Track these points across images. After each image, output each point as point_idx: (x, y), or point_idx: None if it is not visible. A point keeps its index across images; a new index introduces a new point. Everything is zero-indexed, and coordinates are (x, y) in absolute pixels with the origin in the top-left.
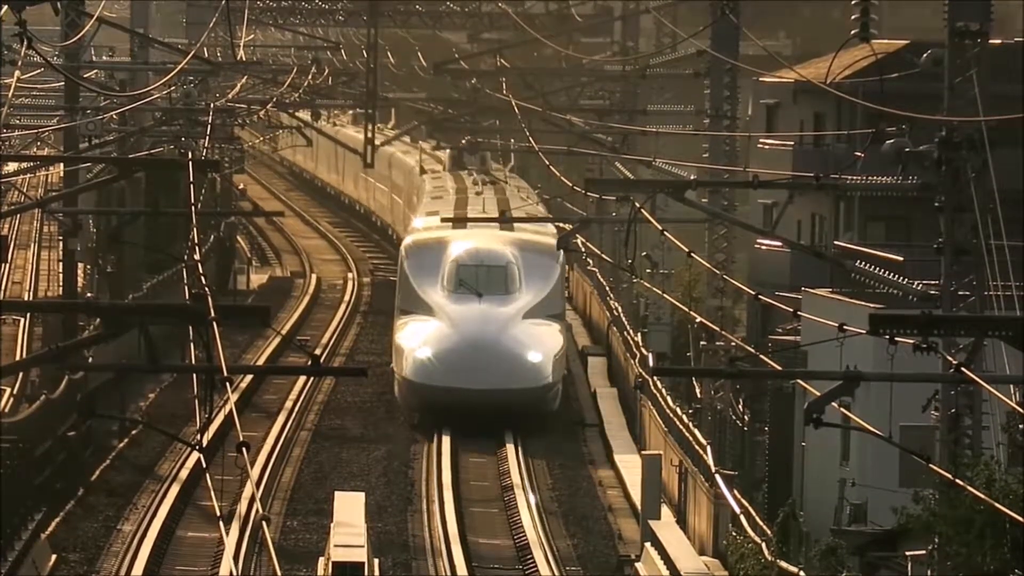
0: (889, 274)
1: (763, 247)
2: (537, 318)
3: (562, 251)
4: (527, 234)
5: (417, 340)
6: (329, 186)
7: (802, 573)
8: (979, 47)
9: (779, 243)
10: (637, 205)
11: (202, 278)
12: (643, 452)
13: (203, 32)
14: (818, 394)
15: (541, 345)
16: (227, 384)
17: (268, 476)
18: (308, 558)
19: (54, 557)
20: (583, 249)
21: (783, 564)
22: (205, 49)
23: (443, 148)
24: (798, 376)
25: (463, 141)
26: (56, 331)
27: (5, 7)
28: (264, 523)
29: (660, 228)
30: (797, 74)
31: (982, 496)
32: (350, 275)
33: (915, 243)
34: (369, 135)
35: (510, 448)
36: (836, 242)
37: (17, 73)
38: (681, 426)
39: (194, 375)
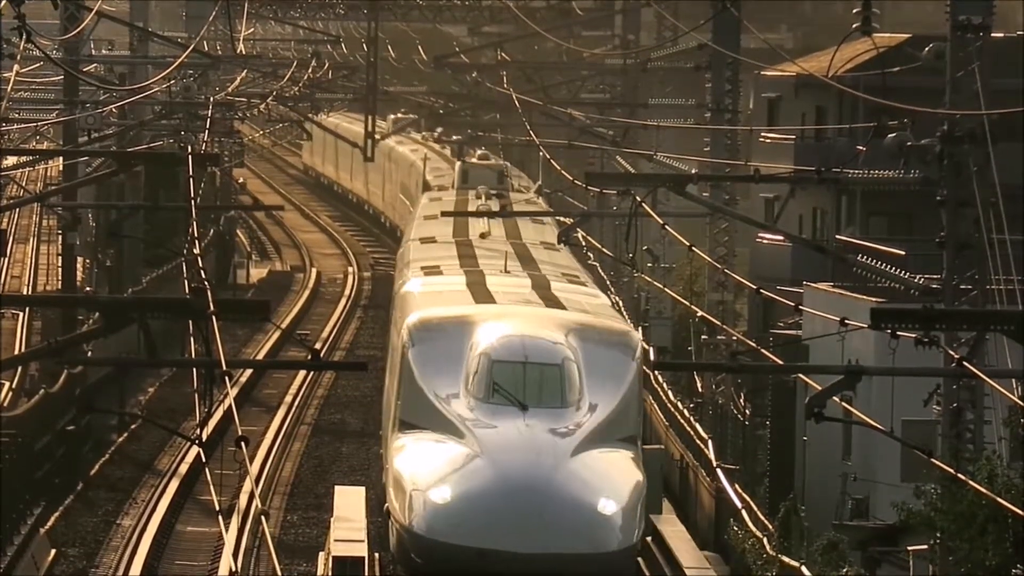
0: (891, 268)
1: (764, 241)
2: (607, 444)
3: (640, 343)
4: (587, 314)
5: (430, 474)
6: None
7: (803, 568)
8: (981, 41)
9: (780, 237)
10: (638, 199)
11: (201, 272)
12: (644, 447)
13: (203, 26)
14: (819, 388)
15: (615, 488)
16: (227, 378)
17: (268, 471)
18: (308, 553)
19: (53, 552)
20: (584, 243)
21: (784, 559)
22: (205, 43)
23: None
24: (799, 370)
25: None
26: (55, 325)
27: (4, 1)
28: (263, 517)
29: (661, 222)
30: (799, 68)
31: (984, 491)
32: (350, 269)
33: (917, 237)
34: (369, 128)
35: None
36: (838, 236)
37: (16, 67)
38: (682, 420)
39: (194, 369)
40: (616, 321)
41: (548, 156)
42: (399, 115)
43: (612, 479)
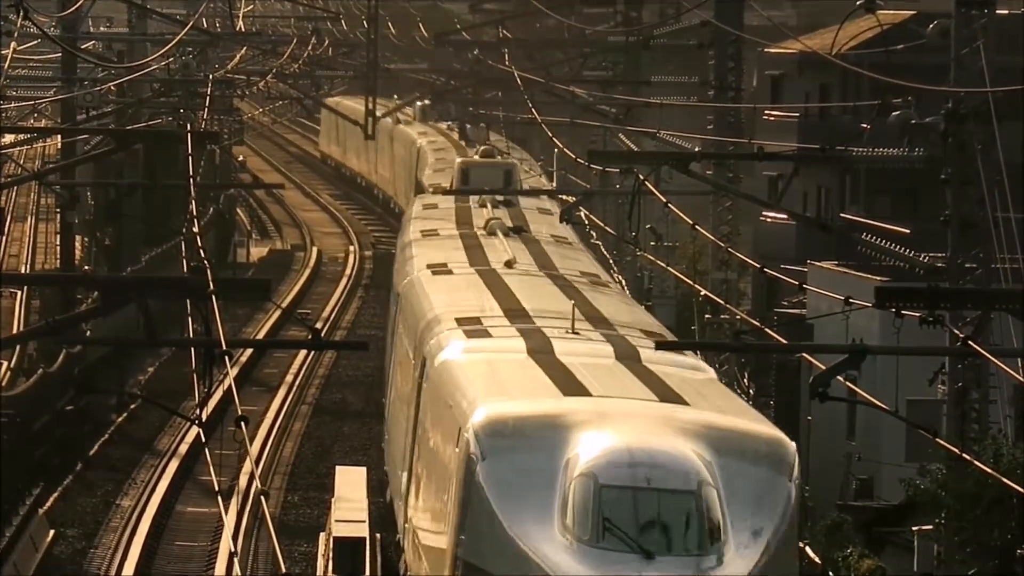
0: (895, 247)
1: (768, 220)
2: None
3: (795, 454)
4: (719, 412)
5: None
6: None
7: (808, 548)
8: (986, 18)
9: (784, 216)
10: (641, 177)
11: (201, 251)
12: None
13: (202, 2)
14: (824, 368)
15: None
16: (226, 358)
17: (268, 451)
18: (309, 533)
19: (52, 532)
20: (587, 222)
21: None
22: (204, 20)
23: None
24: (804, 350)
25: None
26: (54, 304)
27: None
28: (263, 498)
29: (664, 200)
30: (802, 45)
31: (989, 470)
32: (351, 248)
33: (921, 216)
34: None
35: None
36: (842, 214)
37: (13, 44)
38: None
39: (193, 349)
40: (759, 422)
41: (551, 134)
42: (425, 101)
43: None
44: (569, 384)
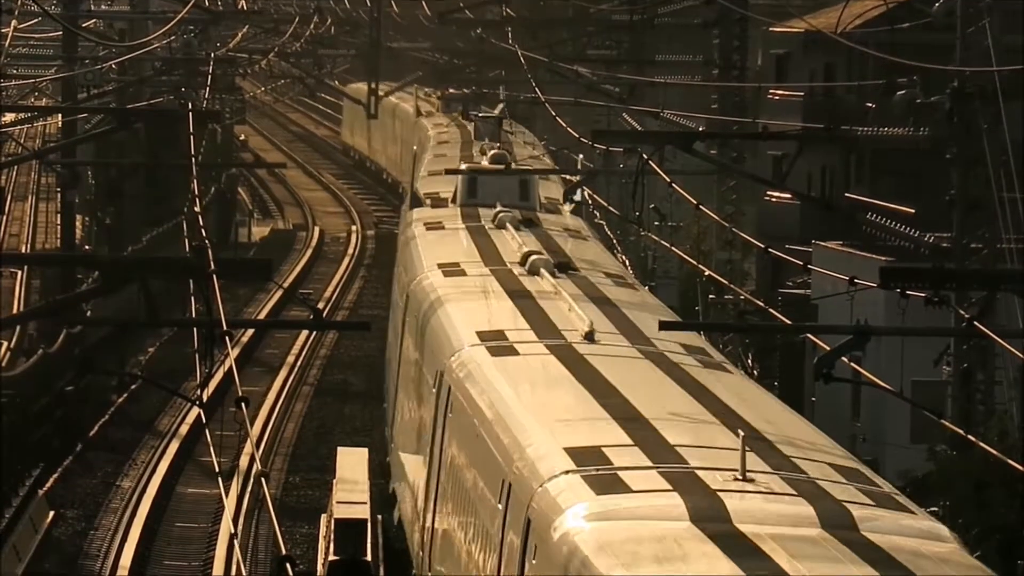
0: (900, 227)
1: (773, 200)
2: None
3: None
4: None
5: None
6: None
7: None
8: None
9: (789, 196)
10: (645, 157)
11: (202, 231)
12: None
13: None
14: (828, 348)
15: None
16: (227, 338)
17: (269, 432)
18: (310, 515)
19: (52, 513)
20: (590, 202)
21: None
22: None
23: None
24: (808, 330)
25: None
26: (54, 284)
27: None
28: (264, 479)
29: (668, 180)
30: (807, 24)
31: (995, 452)
32: (354, 228)
33: (926, 196)
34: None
35: None
36: (847, 194)
37: (14, 22)
38: None
39: (194, 329)
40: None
41: (554, 113)
42: (450, 91)
43: None
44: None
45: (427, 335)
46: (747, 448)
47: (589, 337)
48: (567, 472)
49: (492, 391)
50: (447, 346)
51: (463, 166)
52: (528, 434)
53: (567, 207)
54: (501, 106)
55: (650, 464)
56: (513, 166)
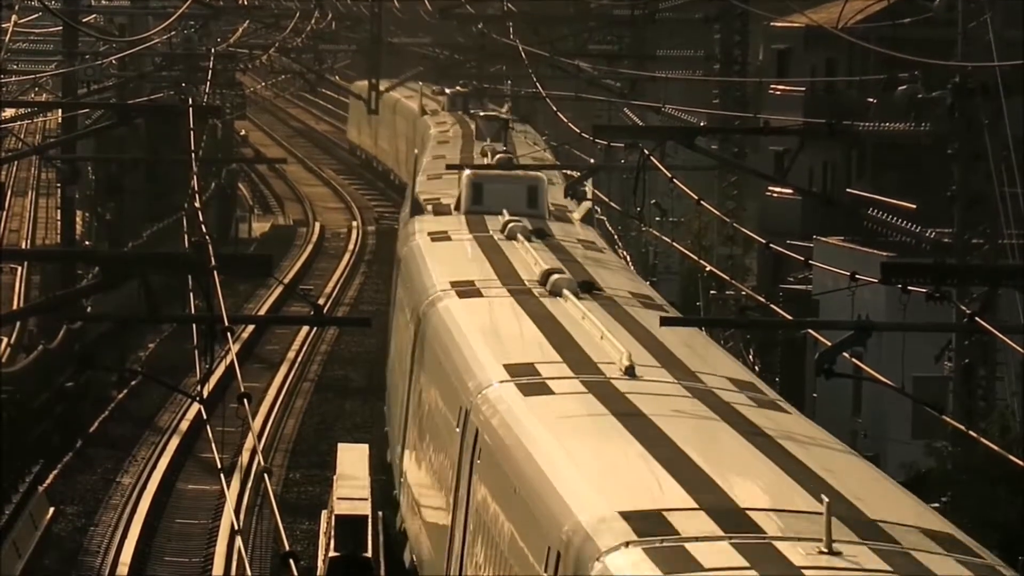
0: (901, 222)
1: (774, 195)
2: None
3: None
4: None
5: None
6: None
7: None
8: None
9: (790, 191)
10: (646, 152)
11: (203, 226)
12: None
13: None
14: (830, 344)
15: None
16: (228, 334)
17: (270, 428)
18: (311, 511)
19: (52, 510)
20: (592, 197)
21: None
22: None
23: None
24: (809, 326)
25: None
26: (54, 280)
27: None
28: (265, 475)
29: (669, 175)
30: (808, 19)
31: (996, 447)
32: (354, 223)
33: (928, 191)
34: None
35: None
36: (848, 190)
37: (15, 17)
38: None
39: (194, 325)
40: None
41: (555, 108)
42: (457, 87)
43: None
44: None
45: (446, 367)
46: (837, 520)
47: (630, 372)
48: (628, 544)
49: (529, 439)
50: (472, 381)
51: (467, 171)
52: (578, 496)
53: (576, 214)
54: (508, 106)
55: (721, 533)
56: (519, 171)
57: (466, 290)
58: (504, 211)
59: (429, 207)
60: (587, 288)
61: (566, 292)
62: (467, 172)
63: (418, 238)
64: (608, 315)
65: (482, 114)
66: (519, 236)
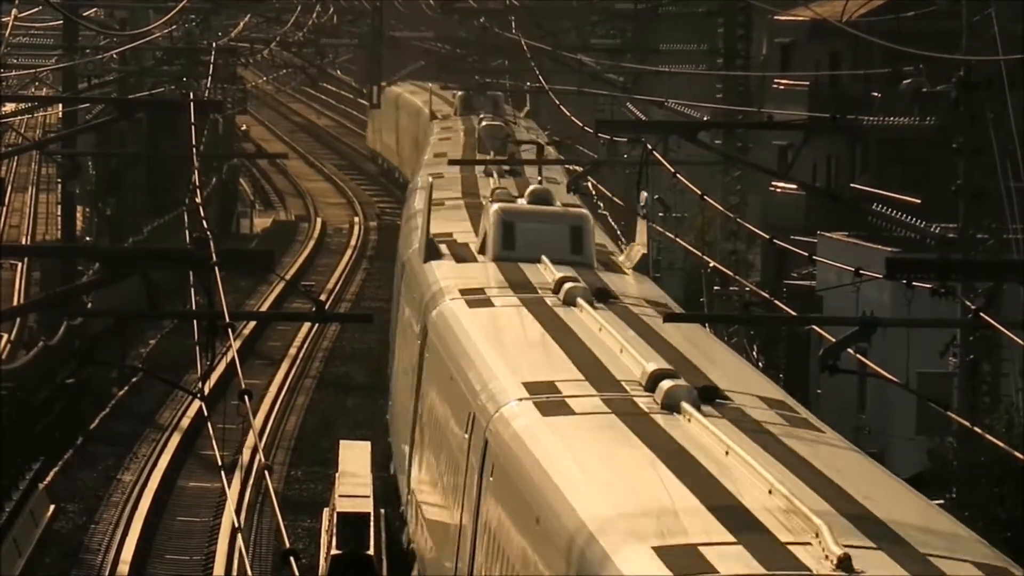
0: (906, 217)
1: (778, 190)
2: None
3: None
4: None
5: None
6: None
7: None
8: None
9: (794, 186)
10: (649, 147)
11: (204, 222)
12: None
13: None
14: (834, 340)
15: None
16: (229, 331)
17: (271, 425)
18: (312, 508)
19: (52, 507)
20: (594, 192)
21: None
22: None
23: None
24: (813, 322)
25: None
26: (55, 276)
27: None
28: (267, 472)
29: (672, 170)
30: (812, 12)
31: (1001, 444)
32: (356, 219)
33: (932, 186)
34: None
35: None
36: (852, 184)
37: (15, 11)
38: None
39: (195, 321)
40: None
41: (557, 102)
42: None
43: None
44: None
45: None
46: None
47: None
48: None
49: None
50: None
51: (495, 205)
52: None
53: (625, 259)
54: (527, 109)
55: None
56: (558, 204)
57: (546, 401)
58: (543, 257)
59: (444, 248)
60: (709, 397)
61: (684, 404)
62: (495, 207)
63: (452, 305)
64: (755, 444)
65: (484, 124)
66: (581, 302)
